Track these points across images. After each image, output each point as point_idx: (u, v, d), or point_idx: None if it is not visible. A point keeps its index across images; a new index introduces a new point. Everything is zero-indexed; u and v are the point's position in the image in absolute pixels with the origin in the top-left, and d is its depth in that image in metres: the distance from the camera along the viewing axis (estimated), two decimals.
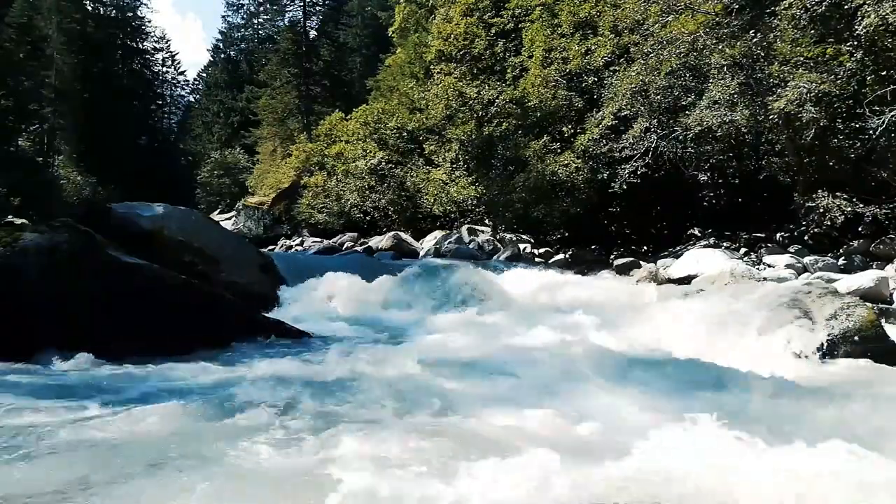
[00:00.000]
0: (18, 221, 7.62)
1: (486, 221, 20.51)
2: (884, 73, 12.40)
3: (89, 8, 46.48)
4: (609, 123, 17.07)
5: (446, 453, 4.08)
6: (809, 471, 3.84)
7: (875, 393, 5.82)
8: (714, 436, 4.39)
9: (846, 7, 12.24)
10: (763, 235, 14.87)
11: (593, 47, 18.11)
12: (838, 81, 12.69)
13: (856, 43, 12.38)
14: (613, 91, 16.79)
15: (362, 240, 24.05)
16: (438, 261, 16.05)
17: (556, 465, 3.83)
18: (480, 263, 15.00)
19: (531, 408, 5.17)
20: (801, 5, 12.97)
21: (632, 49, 16.54)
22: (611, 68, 17.62)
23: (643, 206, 17.16)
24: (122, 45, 51.23)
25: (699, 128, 14.67)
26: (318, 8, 50.38)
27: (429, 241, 20.83)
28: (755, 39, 13.63)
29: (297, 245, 27.83)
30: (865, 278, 10.26)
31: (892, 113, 11.76)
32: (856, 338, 7.19)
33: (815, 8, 12.80)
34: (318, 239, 26.85)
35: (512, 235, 19.62)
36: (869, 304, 8.15)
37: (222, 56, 58.20)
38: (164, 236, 10.09)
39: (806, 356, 7.19)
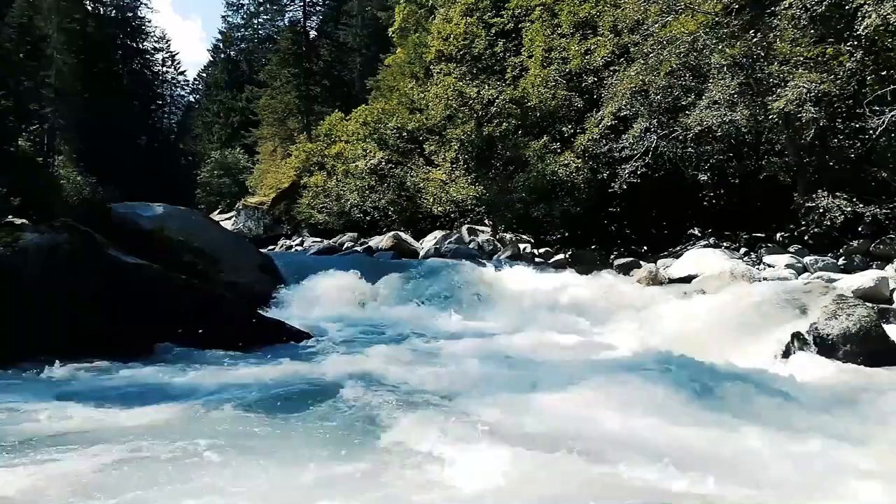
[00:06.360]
0: (18, 221, 7.59)
1: (486, 221, 20.50)
2: (884, 73, 12.40)
3: (89, 8, 46.51)
4: (609, 123, 17.06)
5: (446, 449, 4.09)
6: (808, 469, 3.84)
7: (876, 392, 5.82)
8: (712, 435, 4.39)
9: (846, 7, 12.24)
10: (763, 235, 14.86)
11: (593, 47, 18.11)
12: (838, 81, 12.69)
13: (856, 43, 12.38)
14: (613, 91, 16.78)
15: (362, 240, 24.03)
16: (438, 261, 16.05)
17: (544, 462, 3.86)
18: (480, 263, 14.99)
19: (529, 407, 5.18)
20: (801, 5, 12.97)
21: (632, 49, 16.53)
22: (611, 68, 17.61)
23: (643, 206, 17.15)
24: (122, 45, 51.32)
25: (699, 128, 14.66)
26: (318, 8, 50.41)
27: (429, 241, 20.81)
28: (755, 39, 13.63)
29: (297, 245, 27.81)
30: (865, 278, 10.25)
31: (892, 113, 11.76)
32: (856, 338, 7.18)
33: (815, 8, 12.80)
34: (318, 239, 26.84)
35: (512, 235, 19.61)
36: (869, 304, 8.15)
37: (222, 56, 58.16)
38: (164, 236, 10.06)
39: (806, 356, 7.18)
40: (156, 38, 55.82)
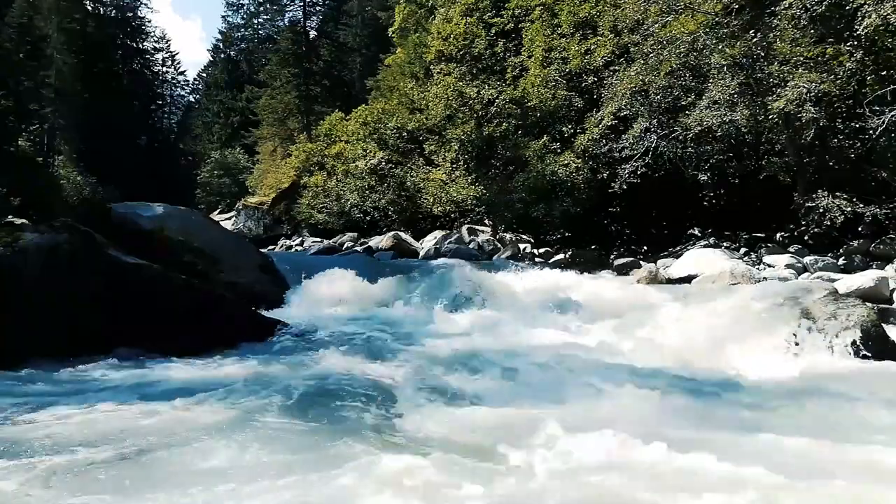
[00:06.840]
0: (18, 221, 7.59)
1: (486, 221, 20.50)
2: (884, 73, 12.40)
3: (89, 8, 46.49)
4: (609, 123, 17.07)
5: (444, 451, 4.09)
6: (809, 470, 3.84)
7: (875, 392, 5.81)
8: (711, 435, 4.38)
9: (846, 7, 12.24)
10: (763, 235, 14.87)
11: (593, 47, 18.11)
12: (838, 81, 12.69)
13: (856, 43, 12.38)
14: (613, 91, 16.78)
15: (362, 240, 24.04)
16: (438, 261, 16.05)
17: (543, 466, 3.85)
18: (480, 263, 15.00)
19: (526, 408, 5.17)
20: (801, 5, 12.97)
21: (632, 49, 16.54)
22: (611, 68, 17.62)
23: (643, 206, 17.16)
24: (122, 45, 51.33)
25: (699, 128, 14.67)
26: (318, 8, 50.42)
27: (429, 241, 20.82)
28: (755, 39, 13.63)
29: (297, 245, 27.82)
30: (865, 278, 10.25)
31: (892, 113, 11.76)
32: (856, 338, 7.18)
33: (815, 8, 12.80)
34: (318, 239, 26.85)
35: (512, 235, 19.62)
36: (869, 304, 8.14)
37: (222, 56, 58.15)
38: (164, 236, 10.07)
39: (806, 356, 7.18)
40: (156, 38, 55.90)
